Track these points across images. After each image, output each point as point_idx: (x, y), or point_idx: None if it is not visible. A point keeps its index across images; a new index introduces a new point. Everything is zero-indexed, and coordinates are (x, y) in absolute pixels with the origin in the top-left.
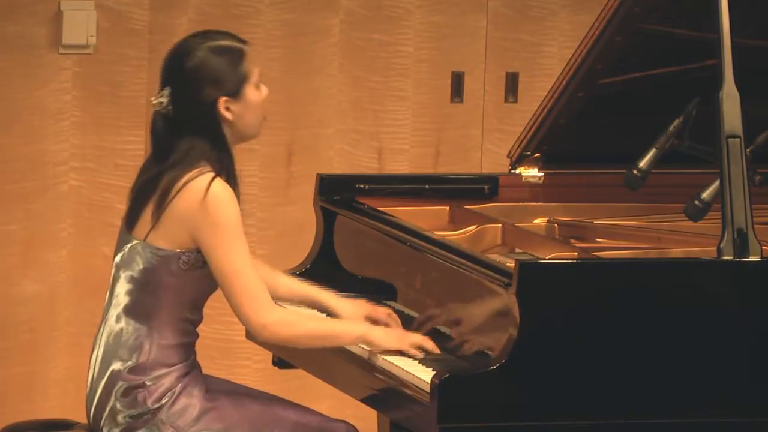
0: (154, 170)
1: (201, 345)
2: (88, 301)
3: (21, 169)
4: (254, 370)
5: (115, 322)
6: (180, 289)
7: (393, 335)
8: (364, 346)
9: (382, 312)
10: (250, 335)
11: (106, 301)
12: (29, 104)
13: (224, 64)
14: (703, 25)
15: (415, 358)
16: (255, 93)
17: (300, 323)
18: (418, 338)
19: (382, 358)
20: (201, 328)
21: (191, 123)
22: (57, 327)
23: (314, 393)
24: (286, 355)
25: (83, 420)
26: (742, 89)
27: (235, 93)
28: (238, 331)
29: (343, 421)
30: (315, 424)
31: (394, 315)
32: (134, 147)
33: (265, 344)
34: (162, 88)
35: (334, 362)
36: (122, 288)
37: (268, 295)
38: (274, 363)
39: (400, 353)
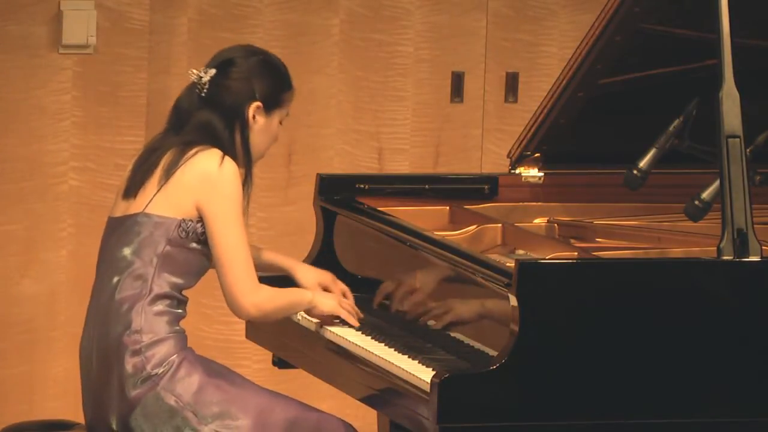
0: (160, 143)
1: (201, 345)
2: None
3: (21, 169)
4: (254, 370)
5: (109, 296)
6: (172, 259)
7: (330, 301)
8: (353, 339)
9: (336, 287)
10: (253, 326)
11: (95, 284)
12: (29, 104)
13: (275, 81)
14: (703, 25)
15: (404, 353)
16: (277, 124)
17: (277, 297)
18: (351, 304)
19: (378, 356)
20: (201, 328)
21: (218, 108)
22: (56, 327)
23: (314, 393)
24: (286, 355)
25: (83, 420)
26: (742, 89)
27: (268, 109)
28: (238, 331)
29: (341, 419)
30: (313, 417)
31: (349, 294)
32: (134, 147)
33: (265, 336)
34: (208, 67)
35: (334, 362)
36: (118, 263)
37: (255, 275)
38: (274, 363)
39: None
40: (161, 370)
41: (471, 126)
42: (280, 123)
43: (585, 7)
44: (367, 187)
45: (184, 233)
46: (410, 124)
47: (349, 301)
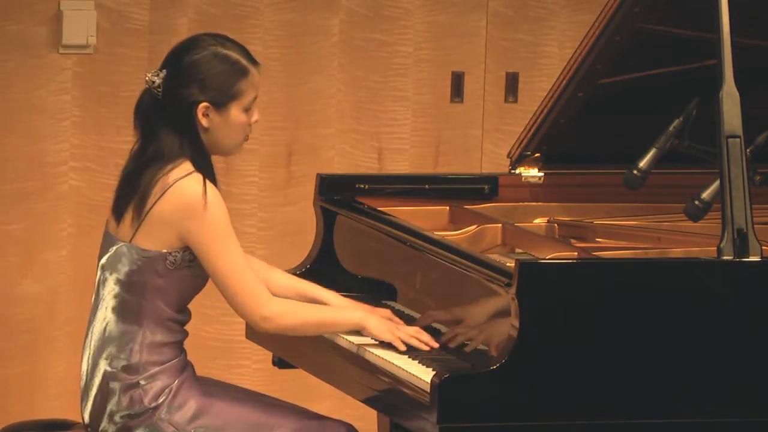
0: (138, 162)
1: (201, 345)
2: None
3: (21, 169)
4: (254, 370)
5: (103, 324)
6: (166, 290)
7: (387, 325)
8: (353, 339)
9: (382, 313)
10: (252, 329)
11: (93, 303)
12: (29, 104)
13: (220, 74)
14: (703, 25)
15: (404, 353)
16: (240, 115)
17: (299, 312)
18: (411, 331)
19: (378, 356)
20: (201, 328)
21: (170, 113)
22: (57, 327)
23: (314, 393)
24: (286, 355)
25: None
26: (742, 89)
27: (219, 105)
28: (238, 331)
29: (342, 422)
30: (314, 425)
31: (396, 318)
32: None
33: (265, 336)
34: (161, 69)
35: (334, 362)
36: (109, 290)
37: (265, 288)
38: (274, 363)
39: (392, 346)
40: (159, 402)
41: (471, 126)
42: (247, 110)
43: (585, 7)
44: (367, 187)
45: (171, 265)
46: (410, 124)
47: (409, 329)
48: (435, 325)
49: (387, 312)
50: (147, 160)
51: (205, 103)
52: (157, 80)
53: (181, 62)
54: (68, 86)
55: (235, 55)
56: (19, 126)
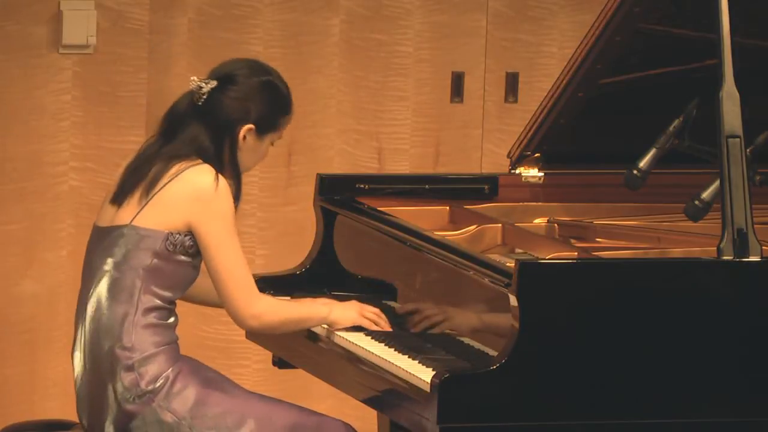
0: (151, 151)
1: (201, 345)
2: None
3: (21, 169)
4: (254, 370)
5: (94, 305)
6: (160, 273)
7: (350, 313)
8: (326, 326)
9: (370, 311)
10: (239, 324)
11: (82, 290)
12: (29, 104)
13: (274, 105)
14: (703, 25)
15: (404, 353)
16: (268, 147)
17: (282, 309)
18: (373, 311)
19: (380, 357)
20: (201, 328)
21: (208, 122)
22: (57, 327)
23: (314, 393)
24: (286, 355)
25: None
26: (742, 89)
27: (261, 132)
28: (238, 331)
29: (341, 421)
30: (313, 423)
31: (383, 316)
32: (134, 147)
33: (265, 336)
34: (210, 77)
35: (334, 362)
36: (101, 274)
37: (256, 286)
38: (274, 363)
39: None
40: (156, 386)
41: (471, 126)
42: (272, 144)
43: (585, 7)
44: (367, 187)
45: (171, 246)
46: (410, 124)
47: (372, 308)
48: (432, 323)
49: (376, 310)
50: (166, 152)
51: (251, 125)
52: (205, 88)
53: (236, 79)
54: (68, 86)
55: (286, 90)
56: (19, 126)
